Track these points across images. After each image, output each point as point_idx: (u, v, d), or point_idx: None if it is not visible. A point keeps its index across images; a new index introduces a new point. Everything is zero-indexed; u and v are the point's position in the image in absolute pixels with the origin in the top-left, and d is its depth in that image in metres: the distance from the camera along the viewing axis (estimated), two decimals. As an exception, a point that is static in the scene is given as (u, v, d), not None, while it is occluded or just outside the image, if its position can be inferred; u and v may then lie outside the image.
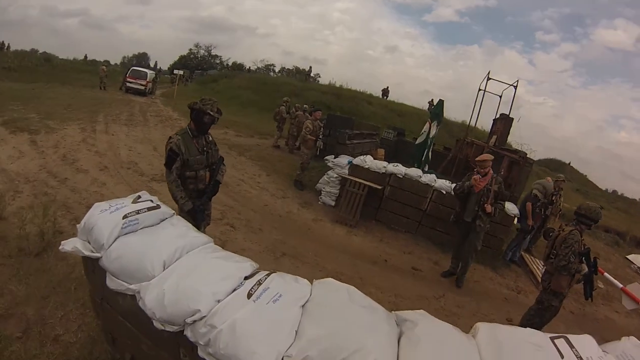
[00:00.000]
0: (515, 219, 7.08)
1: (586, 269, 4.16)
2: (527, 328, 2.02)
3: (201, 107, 3.33)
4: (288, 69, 50.85)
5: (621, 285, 5.70)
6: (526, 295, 6.20)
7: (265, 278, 2.05)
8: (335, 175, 7.36)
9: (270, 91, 22.95)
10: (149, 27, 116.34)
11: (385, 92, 30.53)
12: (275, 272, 2.17)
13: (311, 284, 2.14)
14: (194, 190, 3.46)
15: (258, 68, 49.16)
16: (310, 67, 41.42)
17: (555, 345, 1.87)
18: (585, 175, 43.14)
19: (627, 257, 12.56)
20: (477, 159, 5.49)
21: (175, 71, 24.52)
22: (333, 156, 7.76)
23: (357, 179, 6.89)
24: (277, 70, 51.12)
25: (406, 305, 4.56)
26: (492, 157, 5.51)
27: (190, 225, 2.58)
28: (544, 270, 4.51)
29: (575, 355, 1.83)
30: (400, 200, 7.05)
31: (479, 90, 10.24)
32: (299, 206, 7.16)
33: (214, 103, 3.40)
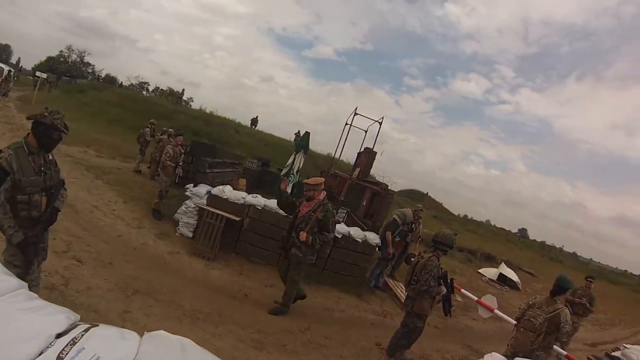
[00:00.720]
0: (377, 248, 7.25)
1: (444, 290, 4.47)
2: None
3: (52, 121, 2.72)
4: (162, 89, 47.68)
5: (476, 298, 6.11)
6: (392, 318, 6.30)
7: (82, 335, 1.53)
8: (193, 205, 6.74)
9: (141, 110, 20.91)
10: (19, 15, 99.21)
11: (254, 121, 30.69)
12: (97, 325, 1.65)
13: (141, 337, 1.67)
14: (26, 218, 2.75)
15: (131, 84, 45.18)
16: (183, 90, 39.81)
17: None
18: (441, 203, 48.56)
19: (479, 271, 14.00)
20: (305, 181, 5.01)
21: (38, 73, 21.38)
22: (192, 185, 7.11)
23: (215, 210, 6.41)
24: (151, 89, 47.43)
25: (271, 342, 4.19)
26: (322, 180, 5.00)
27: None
28: (406, 295, 4.71)
29: None
30: (260, 232, 6.72)
31: (346, 124, 10.59)
32: (155, 237, 6.37)
33: (62, 117, 2.80)
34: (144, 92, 42.74)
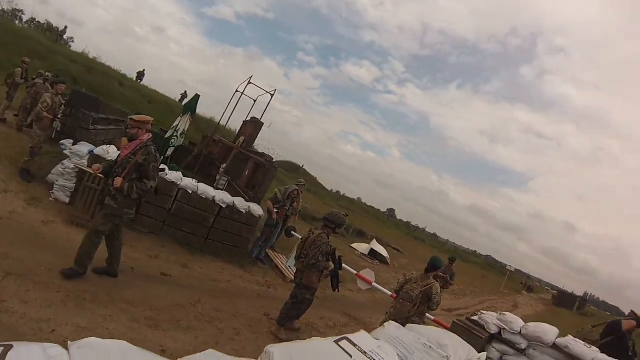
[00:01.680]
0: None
1: (332, 266, 4.84)
2: (313, 339, 2.00)
3: None
4: (39, 21, 39.64)
5: (356, 272, 6.70)
6: (276, 289, 6.58)
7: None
8: (72, 166, 5.96)
9: (11, 44, 17.11)
10: None
11: (140, 75, 27.98)
12: (11, 345, 1.23)
13: (66, 348, 1.34)
14: None
15: (2, 10, 36.76)
16: (66, 27, 33.40)
17: (341, 347, 1.91)
18: (316, 178, 50.44)
19: (352, 245, 15.12)
20: (130, 117, 4.39)
21: None
22: (72, 142, 6.29)
23: (97, 173, 5.73)
24: (25, 19, 39.08)
25: (164, 319, 4.05)
26: (150, 119, 4.35)
27: None
28: (296, 268, 4.99)
29: (360, 351, 1.92)
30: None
31: (237, 91, 10.34)
32: (25, 204, 5.47)
33: None
34: (17, 22, 35.13)
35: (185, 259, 6.04)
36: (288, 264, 7.56)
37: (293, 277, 5.35)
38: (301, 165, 49.40)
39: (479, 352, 3.96)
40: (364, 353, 1.89)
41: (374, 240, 16.28)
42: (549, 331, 4.03)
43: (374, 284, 6.21)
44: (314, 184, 43.68)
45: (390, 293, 5.44)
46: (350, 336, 2.04)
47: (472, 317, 4.32)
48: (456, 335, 2.96)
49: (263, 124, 11.61)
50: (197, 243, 6.57)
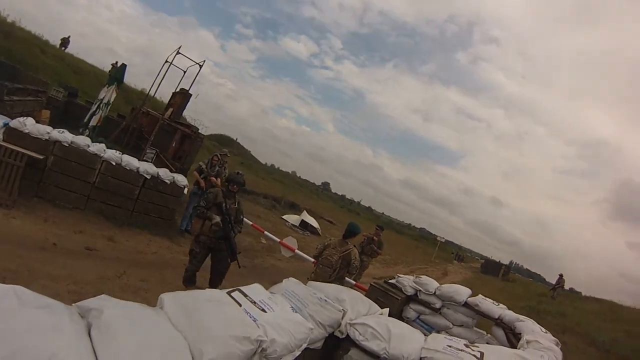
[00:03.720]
0: (186, 189, 7.48)
1: (217, 219, 4.49)
2: (207, 289, 2.30)
3: None
4: None
5: (279, 240, 7.02)
6: None
7: None
8: (-16, 140, 5.60)
9: None
10: None
11: (65, 42, 25.15)
12: None
13: None
14: None
15: None
16: None
17: (233, 297, 2.20)
18: (250, 151, 49.96)
19: (283, 217, 15.48)
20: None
21: None
22: (-16, 114, 5.92)
23: (14, 147, 5.51)
24: None
25: (89, 292, 4.09)
26: None
27: None
28: None
29: (250, 301, 2.22)
30: (67, 172, 6.15)
31: (166, 62, 10.07)
32: None
33: None
34: None
35: (111, 233, 6.02)
36: None
37: None
38: (235, 139, 48.58)
39: (395, 312, 4.25)
40: (253, 302, 2.19)
41: (305, 212, 16.63)
42: (461, 291, 4.35)
43: (296, 251, 6.52)
44: (248, 158, 43.24)
45: (313, 260, 5.66)
46: (243, 288, 2.33)
47: (390, 280, 4.58)
48: (358, 292, 3.25)
49: (191, 95, 11.40)
50: (123, 216, 6.55)
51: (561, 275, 20.65)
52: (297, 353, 2.21)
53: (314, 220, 15.95)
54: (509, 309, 4.29)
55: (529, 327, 3.67)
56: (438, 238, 35.06)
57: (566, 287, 22.39)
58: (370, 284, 4.57)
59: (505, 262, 43.87)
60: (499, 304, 4.27)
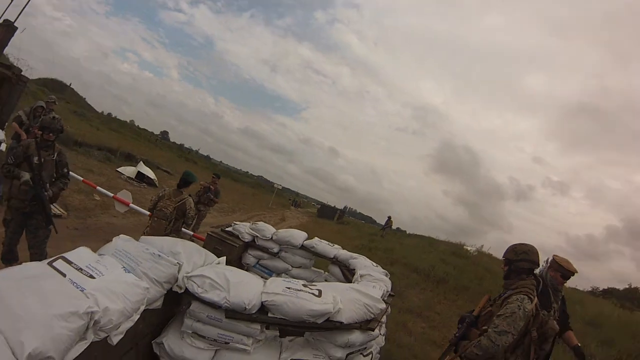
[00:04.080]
0: (2, 145, 6.38)
1: (27, 176, 3.71)
2: (23, 264, 1.91)
3: None
4: None
5: (112, 194, 6.49)
6: None
7: None
8: None
9: None
10: None
11: None
12: None
13: None
14: None
15: None
16: None
17: (55, 268, 1.91)
18: (85, 98, 43.58)
19: (118, 169, 14.19)
20: None
21: None
22: None
23: None
24: None
25: None
26: None
27: None
28: None
29: (75, 268, 1.96)
30: None
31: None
32: None
33: None
34: None
35: None
36: None
37: None
38: (69, 84, 41.52)
39: (235, 260, 4.27)
40: (80, 269, 1.95)
41: (141, 163, 15.48)
42: (297, 235, 4.49)
43: (131, 205, 6.15)
44: (82, 106, 37.60)
45: (149, 213, 5.36)
46: (66, 254, 2.04)
47: (227, 229, 4.51)
48: (193, 244, 3.08)
49: (17, 28, 9.05)
50: None
51: (389, 217, 23.93)
52: (136, 317, 2.08)
53: (151, 171, 14.98)
54: (345, 248, 4.68)
55: (361, 263, 4.10)
56: (275, 185, 36.48)
57: (394, 227, 26.06)
58: (208, 233, 4.47)
59: (340, 207, 47.95)
60: (333, 245, 4.58)
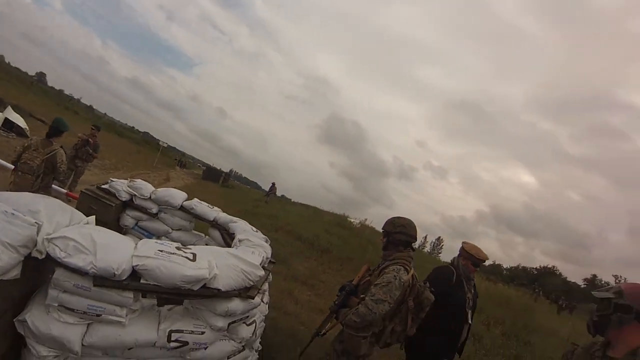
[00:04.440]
0: None
1: None
2: None
3: None
4: None
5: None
6: None
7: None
8: None
9: None
10: None
11: None
12: None
13: None
14: None
15: None
16: None
17: None
18: None
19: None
20: None
21: None
22: None
23: None
24: None
25: None
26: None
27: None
28: None
29: None
30: None
31: None
32: None
33: None
34: None
35: None
36: None
37: None
38: None
39: (111, 220, 3.95)
40: None
41: (9, 109, 13.41)
42: (176, 195, 4.29)
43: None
44: None
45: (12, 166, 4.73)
46: None
47: (103, 186, 4.17)
48: (56, 200, 2.69)
49: None
50: None
51: (274, 184, 24.36)
52: None
53: (21, 118, 13.09)
54: (229, 212, 4.57)
55: (241, 227, 4.01)
56: (161, 143, 34.63)
57: (278, 194, 26.48)
58: (82, 191, 4.05)
59: (226, 169, 47.28)
60: (213, 207, 4.45)
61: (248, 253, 3.08)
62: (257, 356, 3.55)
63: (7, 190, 4.18)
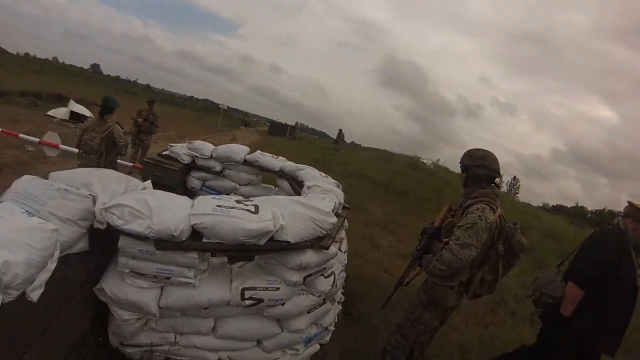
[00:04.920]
0: None
1: None
2: None
3: None
4: None
5: (38, 139, 5.88)
6: None
7: None
8: None
9: None
10: None
11: None
12: None
13: None
14: None
15: None
16: None
17: None
18: None
19: (48, 113, 13.04)
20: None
21: None
22: None
23: None
24: None
25: None
26: None
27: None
28: None
29: None
30: None
31: None
32: None
33: None
34: None
35: None
36: None
37: None
38: None
39: (177, 185, 3.95)
40: None
41: (72, 102, 14.23)
42: (237, 150, 4.20)
43: (61, 146, 5.62)
44: None
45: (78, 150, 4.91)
46: None
47: (163, 152, 4.20)
48: (111, 171, 2.70)
49: None
50: None
51: (340, 130, 23.78)
52: (52, 265, 1.78)
53: (85, 108, 13.78)
54: (299, 163, 4.37)
55: (309, 174, 3.80)
56: (221, 106, 35.32)
57: (347, 141, 25.92)
58: (143, 161, 4.11)
59: (291, 123, 47.71)
60: (278, 157, 4.31)
61: (317, 200, 2.84)
62: (340, 307, 3.38)
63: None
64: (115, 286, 2.26)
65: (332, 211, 2.79)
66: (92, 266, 2.29)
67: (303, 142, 30.71)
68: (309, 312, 2.73)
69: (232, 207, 2.25)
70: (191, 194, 4.28)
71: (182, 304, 2.32)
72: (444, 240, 2.67)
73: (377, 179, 11.95)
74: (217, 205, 2.24)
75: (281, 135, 34.24)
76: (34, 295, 1.68)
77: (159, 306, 2.28)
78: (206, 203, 2.30)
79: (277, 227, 2.25)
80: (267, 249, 2.29)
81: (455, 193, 12.30)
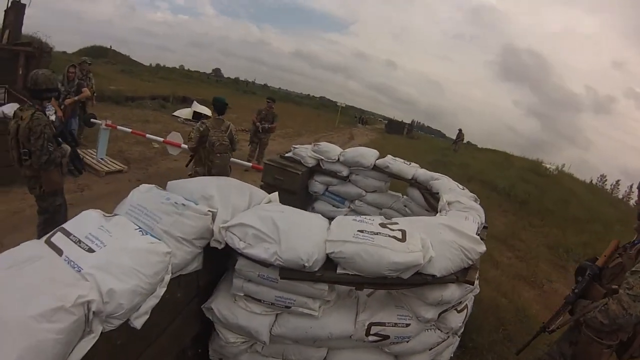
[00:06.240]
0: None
1: (68, 148, 3.38)
2: (22, 244, 1.43)
3: None
4: None
5: (162, 139, 6.22)
6: (91, 189, 5.71)
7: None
8: None
9: None
10: None
11: None
12: None
13: None
14: None
15: None
16: None
17: (52, 245, 1.47)
18: (129, 56, 44.27)
19: (174, 114, 14.12)
20: None
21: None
22: None
23: None
24: None
25: None
26: None
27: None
28: (25, 177, 3.27)
29: (73, 241, 1.49)
30: None
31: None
32: None
33: None
34: None
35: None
36: (99, 157, 6.61)
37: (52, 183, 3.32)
38: (109, 47, 42.39)
39: (299, 189, 3.76)
40: (78, 242, 1.49)
41: (195, 102, 15.18)
42: (367, 154, 3.90)
43: (182, 145, 5.86)
44: (128, 63, 38.21)
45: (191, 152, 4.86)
46: (66, 224, 1.58)
47: (286, 154, 4.00)
48: (233, 180, 2.41)
49: (25, 5, 8.77)
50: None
51: (460, 130, 22.34)
52: (161, 291, 1.57)
53: (206, 108, 14.62)
54: (418, 164, 4.02)
55: (445, 185, 3.37)
56: (338, 104, 35.55)
57: (464, 141, 24.48)
58: (264, 163, 3.91)
59: (407, 121, 46.50)
60: (410, 163, 3.90)
61: (461, 219, 2.41)
62: (459, 340, 2.89)
63: (189, 175, 4.43)
64: (225, 307, 2.03)
65: (477, 234, 2.33)
66: (203, 283, 2.09)
67: (420, 142, 29.71)
68: (430, 350, 2.32)
69: (377, 233, 1.88)
70: (312, 199, 4.10)
71: (298, 335, 2.03)
72: (606, 285, 2.14)
73: (497, 185, 10.83)
74: (359, 230, 1.88)
75: (398, 133, 33.48)
76: (138, 323, 1.50)
77: (271, 333, 2.02)
78: (346, 227, 1.95)
79: (426, 260, 1.84)
80: (411, 283, 1.88)
81: (584, 207, 10.78)
